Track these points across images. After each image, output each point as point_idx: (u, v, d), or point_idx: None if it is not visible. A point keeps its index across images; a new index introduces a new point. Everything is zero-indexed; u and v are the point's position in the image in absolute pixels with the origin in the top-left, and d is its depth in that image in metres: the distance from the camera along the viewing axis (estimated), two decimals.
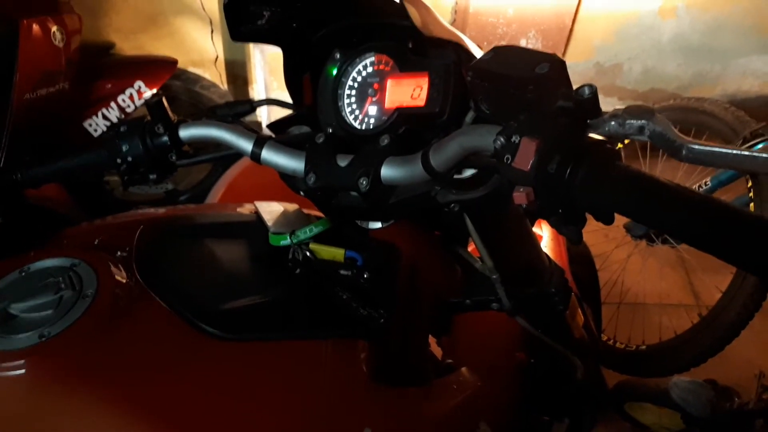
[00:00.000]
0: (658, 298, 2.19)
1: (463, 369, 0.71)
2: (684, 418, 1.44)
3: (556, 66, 0.48)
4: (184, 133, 0.69)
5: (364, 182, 0.57)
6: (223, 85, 3.02)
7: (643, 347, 1.96)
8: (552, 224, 0.47)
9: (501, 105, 0.53)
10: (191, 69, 2.62)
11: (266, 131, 0.70)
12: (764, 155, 0.49)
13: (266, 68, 2.86)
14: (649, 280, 2.23)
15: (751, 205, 1.76)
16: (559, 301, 0.79)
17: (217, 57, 3.01)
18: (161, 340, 0.52)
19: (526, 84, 0.48)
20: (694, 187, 2.02)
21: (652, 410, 1.56)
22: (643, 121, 0.49)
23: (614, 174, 0.41)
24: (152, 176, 0.70)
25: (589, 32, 2.90)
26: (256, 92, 3.03)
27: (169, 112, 0.69)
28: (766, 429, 1.31)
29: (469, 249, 0.79)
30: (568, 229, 0.46)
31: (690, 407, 1.38)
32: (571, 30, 2.88)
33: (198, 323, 0.54)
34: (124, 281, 0.56)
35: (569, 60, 2.93)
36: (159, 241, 0.65)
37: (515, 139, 0.45)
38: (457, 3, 2.86)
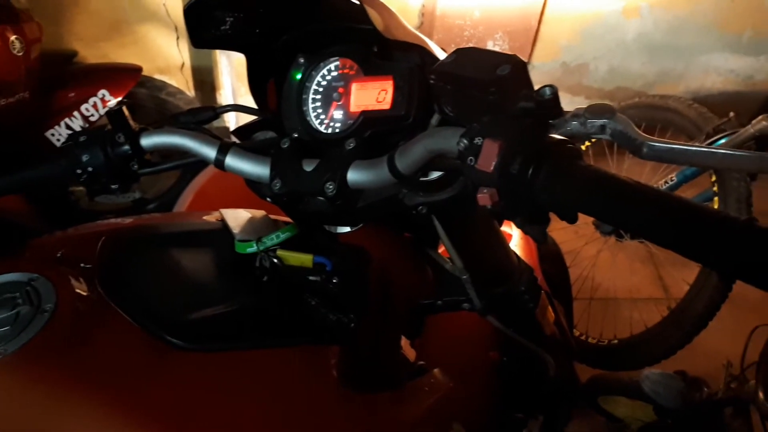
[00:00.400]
0: (629, 293, 2.23)
1: (436, 370, 0.71)
2: (656, 410, 1.46)
3: (518, 67, 0.48)
4: (146, 141, 0.68)
5: (330, 187, 0.56)
6: (190, 92, 2.98)
7: (615, 341, 1.99)
8: (517, 224, 0.47)
9: (464, 107, 0.53)
10: (157, 76, 2.58)
11: (232, 138, 0.69)
12: (722, 151, 0.50)
13: (233, 74, 2.83)
14: (620, 275, 2.26)
15: (715, 199, 1.80)
16: (529, 299, 0.80)
17: (183, 63, 2.98)
18: (124, 354, 0.51)
19: (488, 86, 0.48)
20: (660, 182, 2.06)
21: (624, 403, 1.58)
22: (604, 120, 0.50)
23: (576, 173, 0.42)
24: (114, 186, 0.69)
25: (555, 33, 2.94)
26: (224, 98, 3.00)
27: (130, 121, 0.68)
28: (735, 417, 1.34)
29: (439, 250, 0.80)
30: (533, 229, 0.47)
31: (661, 399, 1.40)
32: (537, 31, 2.91)
33: (163, 335, 0.53)
34: (85, 295, 0.54)
35: (536, 60, 2.98)
36: (122, 252, 0.64)
37: (478, 140, 0.45)
38: (424, 5, 2.88)
